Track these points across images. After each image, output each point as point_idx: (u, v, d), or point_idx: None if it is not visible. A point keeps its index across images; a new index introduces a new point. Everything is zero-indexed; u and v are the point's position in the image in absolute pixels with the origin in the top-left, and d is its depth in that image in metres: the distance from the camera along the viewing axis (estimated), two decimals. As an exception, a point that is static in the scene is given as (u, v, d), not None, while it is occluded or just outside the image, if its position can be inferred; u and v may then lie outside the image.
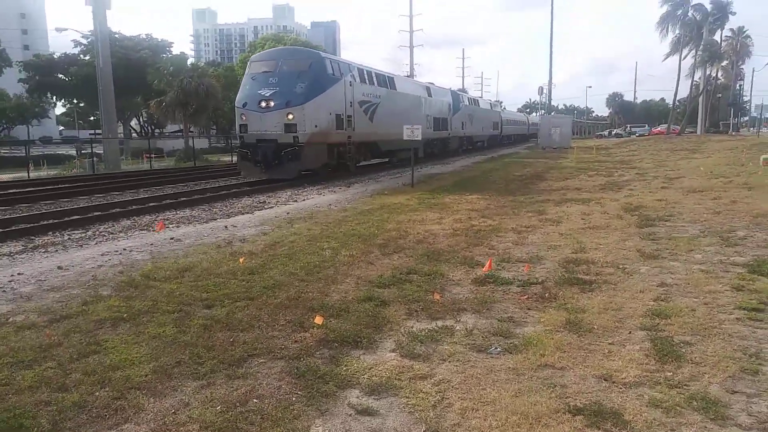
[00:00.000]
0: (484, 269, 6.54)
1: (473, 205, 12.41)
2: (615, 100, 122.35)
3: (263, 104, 17.94)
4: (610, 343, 4.34)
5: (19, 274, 6.87)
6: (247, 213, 12.22)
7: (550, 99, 59.27)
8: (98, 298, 5.65)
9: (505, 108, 71.09)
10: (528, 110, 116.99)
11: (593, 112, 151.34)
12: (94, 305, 5.41)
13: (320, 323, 4.75)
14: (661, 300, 5.34)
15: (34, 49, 77.28)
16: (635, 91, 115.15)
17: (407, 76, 31.79)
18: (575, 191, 14.64)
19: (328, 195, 15.57)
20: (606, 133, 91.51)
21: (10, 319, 5.11)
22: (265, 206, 13.43)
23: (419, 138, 17.78)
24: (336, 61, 20.44)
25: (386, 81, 24.83)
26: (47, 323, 4.97)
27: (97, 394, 3.65)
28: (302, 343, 4.41)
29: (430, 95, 30.52)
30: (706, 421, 3.20)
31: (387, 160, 27.04)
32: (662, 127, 65.95)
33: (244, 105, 18.41)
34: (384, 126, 23.27)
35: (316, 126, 17.97)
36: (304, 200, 14.46)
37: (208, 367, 3.99)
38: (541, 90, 72.84)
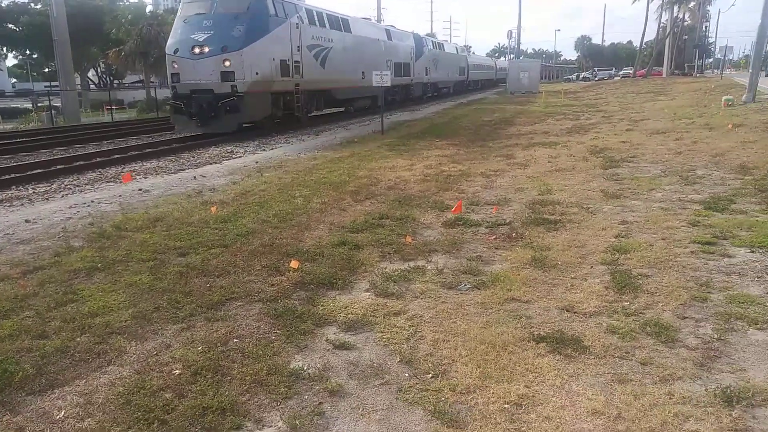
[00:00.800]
0: (452, 211, 6.71)
1: (443, 151, 12.51)
2: (583, 44, 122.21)
3: (197, 50, 16.00)
4: (572, 278, 4.57)
5: (-15, 228, 6.78)
6: (215, 163, 12.11)
7: (519, 43, 58.90)
8: (70, 249, 5.65)
9: (474, 53, 70.22)
10: (497, 55, 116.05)
11: (562, 55, 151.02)
12: (67, 256, 5.42)
13: (296, 267, 4.87)
14: (622, 237, 5.59)
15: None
16: (603, 34, 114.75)
17: (364, 18, 28.98)
18: (543, 135, 14.83)
19: (297, 144, 15.47)
20: (573, 77, 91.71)
21: (-18, 273, 5.10)
22: (233, 156, 13.31)
23: (389, 84, 17.49)
24: (278, 0, 17.97)
25: (340, 23, 22.73)
26: (20, 275, 4.97)
27: (78, 339, 3.72)
28: (279, 287, 4.53)
29: (390, 39, 28.82)
30: (658, 344, 3.45)
31: (342, 109, 25.39)
32: (641, 71, 65.99)
33: (176, 51, 16.42)
34: (338, 72, 21.75)
35: (257, 73, 16.32)
36: (272, 149, 14.34)
37: (187, 312, 4.09)
38: (510, 34, 72.23)
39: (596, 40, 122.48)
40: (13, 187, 9.91)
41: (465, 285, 4.50)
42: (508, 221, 6.38)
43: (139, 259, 5.25)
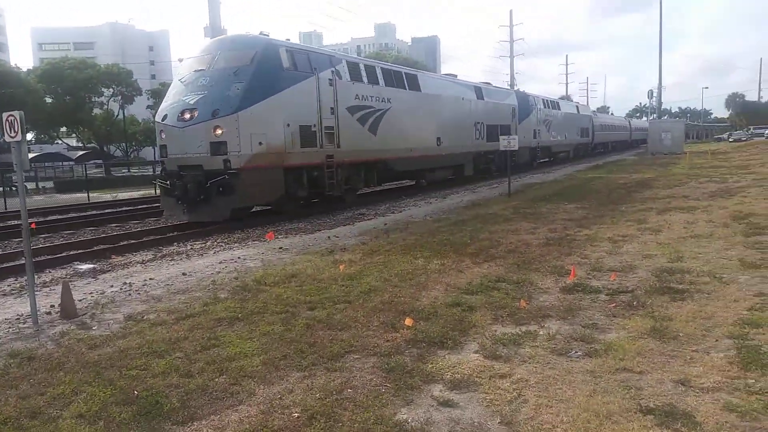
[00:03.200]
0: (569, 277, 6.65)
1: (570, 214, 12.32)
2: (735, 101, 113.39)
3: (186, 116, 12.57)
4: (693, 350, 4.38)
5: (150, 279, 7.88)
6: (348, 224, 12.93)
7: (660, 102, 56.09)
8: (217, 300, 6.42)
9: (612, 113, 67.64)
10: (638, 114, 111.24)
11: (711, 114, 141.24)
12: (214, 306, 6.17)
13: (410, 325, 5.16)
14: (756, 310, 5.23)
15: (160, 78, 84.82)
16: (759, 90, 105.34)
17: (447, 75, 25.02)
18: (682, 199, 14.04)
19: (424, 206, 16.00)
20: (725, 136, 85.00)
21: (145, 317, 5.96)
22: (365, 218, 14.10)
23: (516, 148, 17.50)
24: (301, 51, 14.72)
25: (403, 80, 18.89)
26: (175, 321, 5.75)
27: (217, 380, 4.27)
28: (393, 342, 4.84)
29: (481, 98, 24.84)
30: (783, 427, 3.24)
31: (413, 182, 21.85)
32: None
33: (164, 118, 13.17)
34: (398, 139, 18.02)
35: (260, 143, 12.76)
36: (401, 211, 14.98)
37: (310, 361, 4.52)
38: (650, 93, 68.96)
39: (750, 96, 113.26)
40: (175, 243, 11.33)
41: (576, 352, 4.49)
42: (630, 289, 6.21)
43: (273, 311, 5.85)
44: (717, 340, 4.56)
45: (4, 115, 5.97)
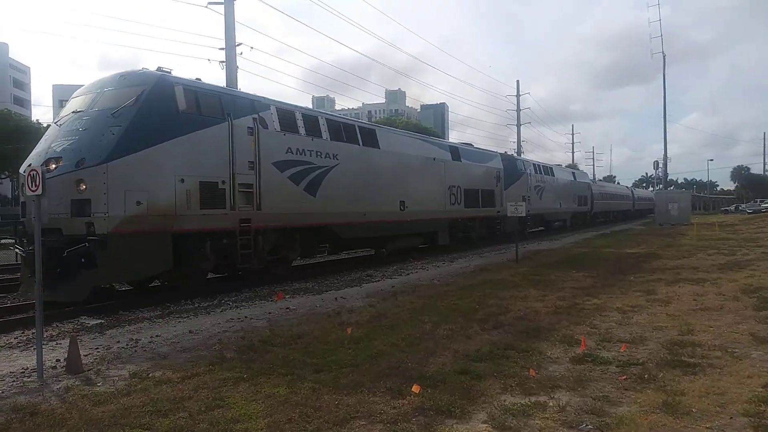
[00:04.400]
0: (580, 348, 6.58)
1: (579, 282, 12.27)
2: (741, 173, 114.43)
3: (52, 166, 9.86)
4: (707, 427, 4.29)
5: (156, 336, 7.86)
6: (356, 286, 12.91)
7: (665, 173, 56.80)
8: (222, 360, 6.38)
9: (619, 182, 67.99)
10: (644, 184, 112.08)
11: (717, 185, 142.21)
12: (219, 365, 6.13)
13: (417, 392, 5.09)
14: (771, 387, 5.13)
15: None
16: (765, 164, 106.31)
17: (418, 135, 22.22)
18: (691, 270, 13.97)
19: (432, 269, 15.99)
20: (732, 208, 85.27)
21: (150, 375, 5.92)
22: (372, 279, 14.08)
23: (523, 215, 17.55)
24: (208, 92, 12.06)
25: (354, 134, 16.22)
26: (180, 379, 5.70)
27: (222, 442, 4.20)
28: (400, 409, 4.76)
29: (458, 159, 22.29)
30: None
31: (372, 251, 19.76)
32: None
33: (26, 169, 9.79)
34: (343, 202, 15.16)
35: (138, 202, 10.13)
36: (408, 274, 14.97)
37: (315, 426, 4.45)
38: (656, 164, 69.72)
39: (756, 169, 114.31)
40: (182, 300, 11.32)
41: (587, 425, 4.41)
42: (641, 361, 6.12)
43: (279, 373, 5.79)
44: (732, 418, 4.46)
45: (27, 170, 6.16)
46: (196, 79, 12.34)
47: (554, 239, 28.22)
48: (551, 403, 4.91)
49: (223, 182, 11.76)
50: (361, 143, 16.34)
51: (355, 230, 15.93)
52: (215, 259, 12.00)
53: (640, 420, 4.44)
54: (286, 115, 13.77)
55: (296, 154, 13.71)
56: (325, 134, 14.88)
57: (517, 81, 57.74)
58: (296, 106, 14.48)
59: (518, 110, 56.51)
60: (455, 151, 22.53)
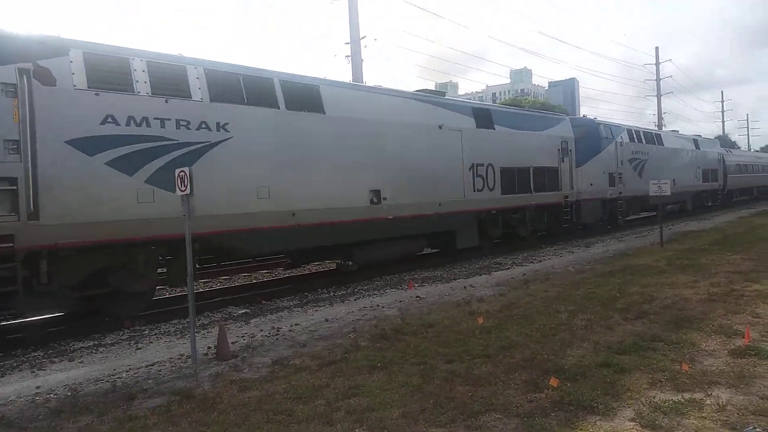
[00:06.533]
0: (744, 340, 5.91)
1: (736, 266, 11.08)
2: None
3: None
4: None
5: (295, 324, 8.25)
6: (485, 274, 12.67)
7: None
8: (357, 348, 6.54)
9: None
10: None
11: None
12: (354, 353, 6.28)
13: (555, 385, 4.86)
14: None
15: None
16: None
17: (402, 92, 14.30)
18: None
19: (566, 256, 15.27)
20: None
21: (291, 362, 6.21)
22: (501, 267, 13.73)
23: (668, 193, 16.00)
24: None
25: (266, 92, 10.64)
26: (318, 367, 5.93)
27: (357, 431, 4.28)
28: (537, 403, 4.57)
29: (487, 125, 15.78)
30: None
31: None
32: None
33: None
34: (239, 196, 9.94)
35: None
36: (540, 261, 14.42)
37: (449, 417, 4.40)
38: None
39: None
40: (319, 290, 11.82)
41: (753, 428, 3.93)
42: (818, 356, 5.37)
43: (412, 362, 5.82)
44: None
45: (177, 171, 6.68)
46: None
47: (703, 219, 25.76)
48: (708, 401, 4.45)
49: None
50: (283, 106, 10.79)
51: (270, 239, 10.57)
52: None
53: (821, 424, 3.88)
54: (106, 64, 8.73)
55: (129, 125, 8.71)
56: (200, 93, 9.62)
57: (656, 47, 52.75)
58: (132, 50, 9.19)
59: (657, 79, 52.06)
60: (484, 116, 15.85)
